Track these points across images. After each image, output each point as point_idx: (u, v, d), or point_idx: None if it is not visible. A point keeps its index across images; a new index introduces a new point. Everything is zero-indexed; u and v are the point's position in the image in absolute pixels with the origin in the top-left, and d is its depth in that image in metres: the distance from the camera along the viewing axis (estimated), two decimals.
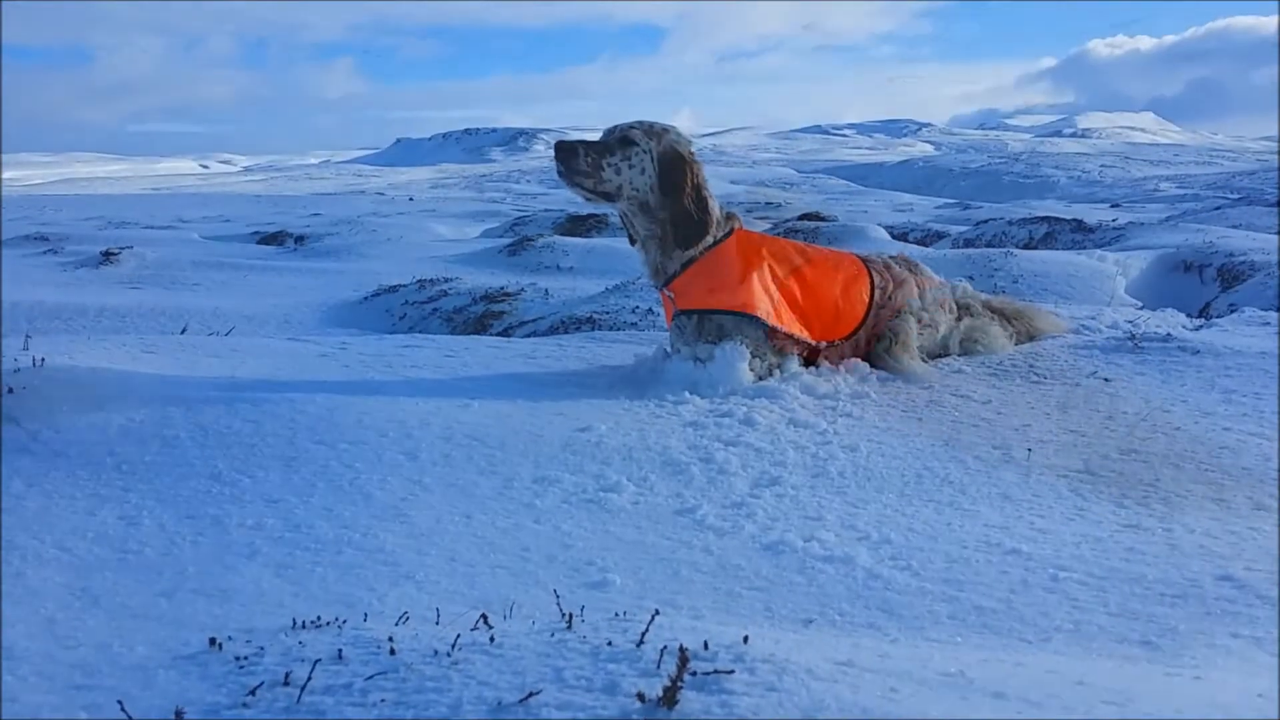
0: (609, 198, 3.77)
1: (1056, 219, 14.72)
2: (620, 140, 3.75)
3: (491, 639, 1.66)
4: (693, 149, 3.84)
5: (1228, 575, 2.21)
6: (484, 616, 1.84)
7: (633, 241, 3.93)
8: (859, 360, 3.89)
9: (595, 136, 3.88)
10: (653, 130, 3.77)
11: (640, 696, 1.37)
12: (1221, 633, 1.98)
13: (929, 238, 16.13)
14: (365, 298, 9.15)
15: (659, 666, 1.49)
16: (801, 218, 17.19)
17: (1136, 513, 2.60)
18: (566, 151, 3.73)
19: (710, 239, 3.76)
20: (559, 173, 3.75)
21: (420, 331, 7.94)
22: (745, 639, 1.57)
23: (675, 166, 3.73)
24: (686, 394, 3.49)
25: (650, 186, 3.74)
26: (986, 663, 1.71)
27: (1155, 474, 2.86)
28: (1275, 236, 11.28)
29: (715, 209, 3.79)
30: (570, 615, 1.79)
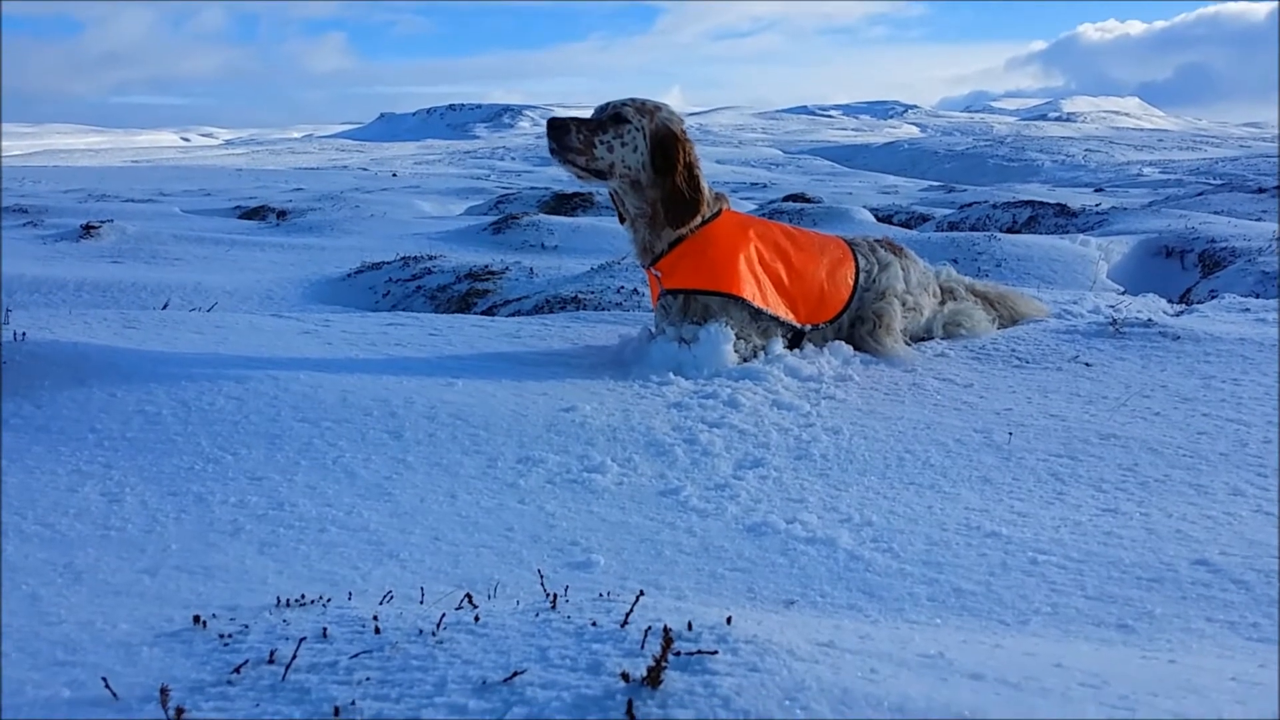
0: (601, 175, 3.75)
1: (1040, 203, 14.77)
2: (613, 117, 3.73)
3: (476, 619, 1.66)
4: (684, 127, 3.83)
5: (1203, 560, 2.24)
6: (468, 596, 1.85)
7: (622, 220, 3.92)
8: (843, 343, 3.90)
9: (583, 113, 3.85)
10: (645, 107, 3.76)
11: (625, 676, 1.38)
12: (1196, 617, 2.01)
13: (914, 220, 16.16)
14: (348, 274, 9.09)
15: (643, 647, 1.50)
16: (787, 199, 17.19)
17: (1115, 497, 2.63)
18: (559, 128, 3.71)
19: (700, 219, 3.75)
20: (551, 150, 3.73)
21: (404, 309, 7.90)
22: (728, 620, 1.59)
23: (667, 144, 3.72)
24: (671, 375, 3.50)
25: (642, 164, 3.72)
26: (965, 644, 1.73)
27: (1134, 459, 2.89)
28: (1257, 223, 11.35)
29: (706, 188, 3.79)
30: (554, 595, 1.80)
